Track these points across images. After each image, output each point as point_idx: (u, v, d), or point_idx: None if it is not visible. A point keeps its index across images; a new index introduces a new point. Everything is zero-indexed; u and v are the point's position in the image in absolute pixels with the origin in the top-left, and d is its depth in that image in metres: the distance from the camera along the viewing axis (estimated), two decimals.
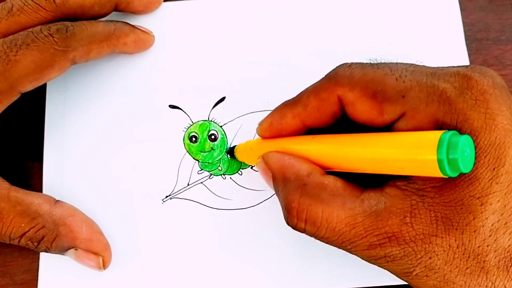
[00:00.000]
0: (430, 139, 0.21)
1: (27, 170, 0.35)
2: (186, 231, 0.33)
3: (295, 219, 0.25)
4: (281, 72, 0.35)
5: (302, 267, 0.32)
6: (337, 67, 0.26)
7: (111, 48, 0.33)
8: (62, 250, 0.31)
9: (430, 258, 0.23)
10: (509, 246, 0.22)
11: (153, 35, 0.35)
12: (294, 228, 0.26)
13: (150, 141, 0.34)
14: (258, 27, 0.36)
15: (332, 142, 0.26)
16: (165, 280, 0.32)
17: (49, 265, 0.32)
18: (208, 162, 0.34)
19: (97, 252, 0.31)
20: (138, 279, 0.32)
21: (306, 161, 0.26)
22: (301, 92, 0.27)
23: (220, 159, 0.34)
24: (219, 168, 0.34)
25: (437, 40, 0.35)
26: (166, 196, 0.33)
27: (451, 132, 0.21)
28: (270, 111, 0.34)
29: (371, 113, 0.24)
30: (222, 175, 0.34)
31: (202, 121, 0.34)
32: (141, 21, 0.36)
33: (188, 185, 0.33)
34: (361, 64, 0.25)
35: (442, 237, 0.22)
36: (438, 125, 0.23)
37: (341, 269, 0.32)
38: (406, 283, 0.31)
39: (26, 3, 0.31)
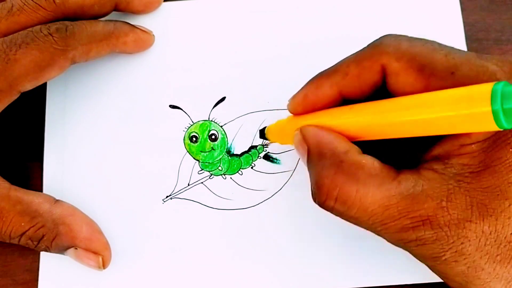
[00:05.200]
0: (482, 91, 0.20)
1: (27, 170, 0.35)
2: (186, 231, 0.33)
3: (324, 196, 0.24)
4: (281, 72, 0.35)
5: (302, 267, 0.32)
6: (382, 37, 0.25)
7: (110, 48, 0.33)
8: (62, 249, 0.31)
9: (462, 243, 0.23)
10: None
11: (153, 35, 0.35)
12: (322, 205, 0.25)
13: (150, 141, 0.34)
14: (258, 27, 0.36)
15: (373, 108, 0.25)
16: (165, 280, 0.32)
17: (50, 265, 0.32)
18: (209, 162, 0.34)
19: (97, 251, 0.31)
20: (138, 279, 0.32)
21: (344, 139, 0.25)
22: (338, 62, 0.26)
23: (220, 159, 0.34)
24: (220, 168, 0.34)
25: (438, 40, 0.35)
26: (167, 196, 0.33)
27: (503, 83, 0.20)
28: (270, 111, 0.34)
29: (415, 86, 0.24)
30: (223, 175, 0.34)
31: (203, 121, 0.34)
32: (141, 21, 0.36)
33: (188, 185, 0.33)
34: (408, 36, 0.25)
35: (476, 223, 0.22)
36: None
37: (341, 269, 0.32)
38: (408, 283, 0.31)
39: (26, 3, 0.31)
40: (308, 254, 0.32)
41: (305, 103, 0.27)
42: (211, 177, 0.34)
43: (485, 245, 0.23)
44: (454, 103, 0.21)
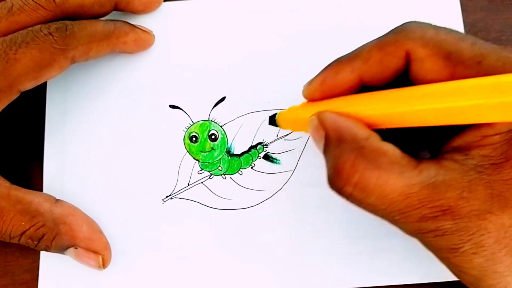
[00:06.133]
0: (511, 81, 0.20)
1: (27, 170, 0.35)
2: (186, 231, 0.33)
3: (343, 181, 0.24)
4: (281, 72, 0.35)
5: (302, 267, 0.32)
6: (405, 23, 0.25)
7: (111, 47, 0.33)
8: (62, 249, 0.31)
9: (482, 235, 0.22)
10: None
11: (153, 35, 0.35)
12: (339, 191, 0.24)
13: (150, 141, 0.34)
14: (258, 27, 0.36)
15: (397, 95, 0.24)
16: (165, 280, 0.32)
17: (50, 265, 0.32)
18: (209, 162, 0.34)
19: (97, 251, 0.31)
20: (138, 279, 0.32)
21: (364, 126, 0.24)
22: (359, 47, 0.26)
23: (220, 159, 0.34)
24: (219, 168, 0.34)
25: None
26: (167, 196, 0.33)
27: None
28: (270, 111, 0.34)
29: (440, 74, 0.24)
30: (222, 175, 0.34)
31: (203, 121, 0.34)
32: (141, 21, 0.36)
33: (188, 185, 0.33)
34: (432, 24, 0.25)
35: (496, 215, 0.22)
36: None
37: (341, 269, 0.32)
38: (408, 283, 0.31)
39: (26, 3, 0.31)
40: (308, 254, 0.32)
41: (323, 89, 0.26)
42: (211, 177, 0.34)
43: (504, 237, 0.22)
44: (483, 92, 0.21)
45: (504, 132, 0.23)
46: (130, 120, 0.35)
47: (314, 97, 0.27)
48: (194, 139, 0.34)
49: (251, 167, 0.34)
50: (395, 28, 0.25)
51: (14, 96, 0.31)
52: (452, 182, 0.23)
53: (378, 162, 0.23)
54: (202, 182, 0.33)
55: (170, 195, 0.33)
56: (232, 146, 0.34)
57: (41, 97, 0.35)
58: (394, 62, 0.25)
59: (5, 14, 0.31)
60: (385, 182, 0.23)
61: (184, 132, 0.34)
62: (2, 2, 0.31)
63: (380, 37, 0.25)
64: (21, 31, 0.30)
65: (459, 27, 0.35)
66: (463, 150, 0.23)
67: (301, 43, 0.35)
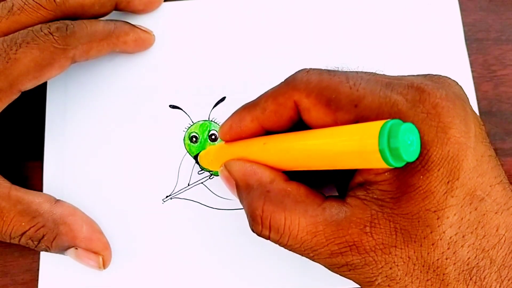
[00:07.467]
0: (372, 129, 0.21)
1: (27, 170, 0.35)
2: (186, 231, 0.33)
3: (259, 226, 0.25)
4: (281, 72, 0.35)
5: (302, 267, 0.32)
6: (296, 72, 0.26)
7: (111, 47, 0.33)
8: (62, 249, 0.31)
9: (390, 268, 0.23)
10: (468, 259, 0.22)
11: (153, 35, 0.35)
12: (259, 235, 0.26)
13: (150, 141, 0.34)
14: (258, 27, 0.36)
15: (282, 141, 0.26)
16: (165, 280, 0.32)
17: (50, 265, 0.32)
18: None
19: (97, 251, 0.31)
20: (138, 279, 0.32)
21: (268, 168, 0.26)
22: (260, 95, 0.27)
23: None
24: None
25: (437, 41, 0.35)
26: (167, 196, 0.33)
27: (393, 121, 0.20)
28: None
29: (325, 120, 0.24)
30: None
31: (203, 121, 0.34)
32: (141, 21, 0.36)
33: (188, 185, 0.33)
34: (319, 70, 0.25)
35: (401, 249, 0.22)
36: None
37: None
38: None
39: (26, 2, 0.31)
40: None
41: (231, 133, 0.28)
42: (211, 177, 0.34)
43: (413, 270, 0.22)
44: (346, 140, 0.22)
45: (392, 169, 0.23)
46: (130, 120, 0.35)
47: (226, 139, 0.29)
48: (194, 139, 0.34)
49: None
50: (287, 78, 0.26)
51: (14, 96, 0.31)
52: (354, 218, 0.23)
53: (283, 204, 0.24)
54: (202, 182, 0.33)
55: (170, 195, 0.33)
56: None
57: (41, 97, 0.35)
58: (286, 112, 0.26)
59: (6, 14, 0.31)
60: (292, 222, 0.24)
61: (184, 132, 0.34)
62: (3, 2, 0.32)
63: (275, 86, 0.26)
64: (21, 31, 0.30)
65: (459, 27, 0.35)
66: (365, 185, 0.24)
67: (301, 43, 0.35)
